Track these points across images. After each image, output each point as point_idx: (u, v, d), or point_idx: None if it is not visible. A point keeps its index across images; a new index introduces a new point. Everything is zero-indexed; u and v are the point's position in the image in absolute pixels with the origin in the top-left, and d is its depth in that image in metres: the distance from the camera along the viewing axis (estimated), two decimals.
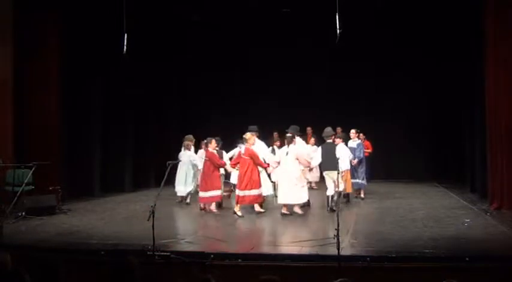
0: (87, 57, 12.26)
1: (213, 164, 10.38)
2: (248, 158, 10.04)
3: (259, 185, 10.10)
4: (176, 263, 6.41)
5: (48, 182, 10.39)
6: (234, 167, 10.56)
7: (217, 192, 10.42)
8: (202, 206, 10.55)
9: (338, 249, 6.08)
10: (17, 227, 8.73)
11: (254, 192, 9.95)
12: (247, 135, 10.23)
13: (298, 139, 10.45)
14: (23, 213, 9.45)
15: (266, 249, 7.12)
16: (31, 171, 9.37)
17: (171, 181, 12.14)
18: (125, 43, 9.69)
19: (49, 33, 11.22)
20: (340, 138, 10.85)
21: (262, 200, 10.30)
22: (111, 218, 9.83)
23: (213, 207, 10.46)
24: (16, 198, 9.00)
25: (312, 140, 13.37)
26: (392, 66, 14.95)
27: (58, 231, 8.46)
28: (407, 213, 9.79)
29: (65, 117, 11.70)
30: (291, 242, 7.47)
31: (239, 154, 10.41)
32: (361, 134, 12.89)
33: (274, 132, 13.75)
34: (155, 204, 6.52)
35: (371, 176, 12.70)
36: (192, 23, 14.04)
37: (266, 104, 15.39)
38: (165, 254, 6.52)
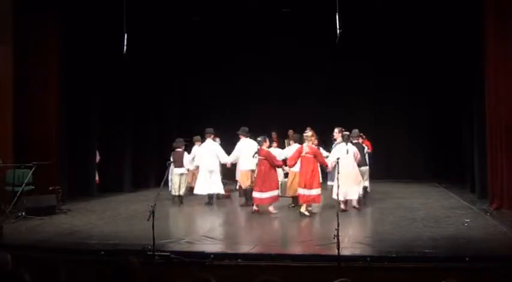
0: (87, 57, 12.26)
1: (270, 163, 9.96)
2: (312, 156, 9.84)
3: (320, 185, 9.97)
4: (176, 263, 6.41)
5: (48, 182, 10.37)
6: (292, 166, 10.17)
7: (275, 193, 9.97)
8: (256, 208, 9.94)
9: (338, 249, 6.08)
10: (17, 227, 8.72)
11: (316, 191, 9.76)
12: (309, 133, 10.15)
13: (247, 139, 11.03)
14: (23, 213, 9.42)
15: (266, 249, 7.11)
16: (31, 171, 9.37)
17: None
18: (125, 43, 9.69)
19: (49, 33, 11.21)
20: (294, 139, 10.93)
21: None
22: (111, 218, 9.82)
23: (271, 208, 9.93)
24: (16, 198, 9.00)
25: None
26: (392, 66, 14.96)
27: (58, 231, 8.45)
28: (407, 213, 9.79)
29: (65, 118, 11.70)
30: (291, 242, 7.47)
31: (299, 152, 9.97)
32: (361, 134, 12.88)
33: (272, 132, 13.79)
34: (155, 204, 6.52)
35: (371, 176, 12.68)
36: (192, 23, 14.04)
37: (266, 103, 15.40)
38: (165, 254, 6.51)
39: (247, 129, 11.28)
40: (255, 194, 9.97)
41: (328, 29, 9.48)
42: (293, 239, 7.84)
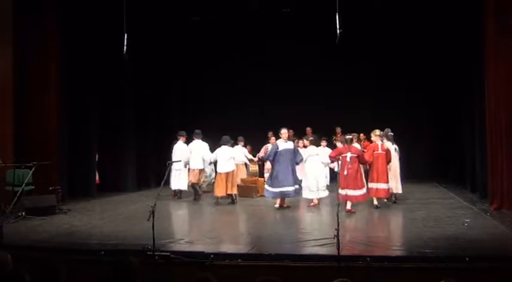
0: (87, 57, 12.26)
1: (359, 161, 10.19)
2: (385, 153, 10.54)
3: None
4: (176, 263, 6.41)
5: (48, 182, 10.38)
6: (371, 161, 10.56)
7: (365, 190, 10.16)
8: (349, 207, 9.96)
9: (338, 249, 6.08)
10: (17, 227, 8.72)
11: (386, 186, 10.42)
12: (379, 132, 10.80)
13: (198, 141, 11.94)
14: (23, 213, 9.42)
15: (266, 249, 7.11)
16: (31, 171, 9.36)
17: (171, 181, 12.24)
18: (125, 43, 9.69)
19: (49, 33, 11.20)
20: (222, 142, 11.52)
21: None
22: (111, 218, 9.82)
23: (350, 205, 10.01)
24: (16, 198, 8.99)
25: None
26: (392, 67, 14.95)
27: (58, 231, 8.46)
28: (407, 213, 9.79)
29: (65, 117, 11.70)
30: (291, 242, 7.47)
31: (374, 149, 10.51)
32: (361, 135, 12.90)
33: (269, 132, 13.79)
34: (155, 204, 6.52)
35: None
36: (192, 23, 14.04)
37: (266, 103, 15.40)
38: (165, 254, 6.51)
39: (199, 131, 12.09)
40: (344, 192, 9.91)
41: (328, 29, 9.49)
42: (293, 239, 7.81)
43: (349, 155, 10.07)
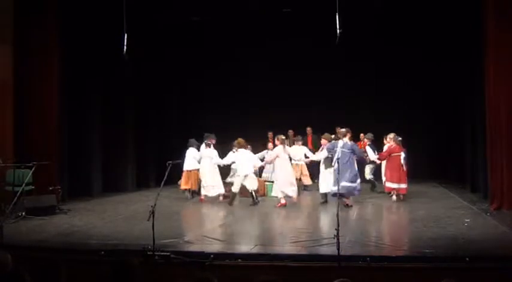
0: (87, 57, 12.26)
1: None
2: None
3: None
4: (176, 263, 6.41)
5: (48, 182, 10.38)
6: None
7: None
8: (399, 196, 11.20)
9: (338, 249, 6.08)
10: (17, 227, 8.72)
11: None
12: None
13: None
14: (23, 213, 9.43)
15: (266, 249, 7.11)
16: (31, 171, 9.36)
17: (171, 181, 12.23)
18: (125, 43, 9.69)
19: (49, 33, 11.20)
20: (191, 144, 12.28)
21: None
22: (111, 218, 9.82)
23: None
24: (16, 198, 8.99)
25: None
26: (392, 66, 14.94)
27: (58, 231, 8.46)
28: (407, 213, 9.79)
29: (65, 117, 11.70)
30: (291, 242, 7.47)
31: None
32: (361, 135, 12.90)
33: (269, 132, 13.81)
34: (155, 204, 6.52)
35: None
36: (192, 23, 14.03)
37: (266, 103, 15.40)
38: (165, 254, 6.51)
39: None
40: (397, 185, 11.21)
41: (328, 29, 9.49)
42: (293, 239, 7.82)
43: (403, 154, 11.28)
